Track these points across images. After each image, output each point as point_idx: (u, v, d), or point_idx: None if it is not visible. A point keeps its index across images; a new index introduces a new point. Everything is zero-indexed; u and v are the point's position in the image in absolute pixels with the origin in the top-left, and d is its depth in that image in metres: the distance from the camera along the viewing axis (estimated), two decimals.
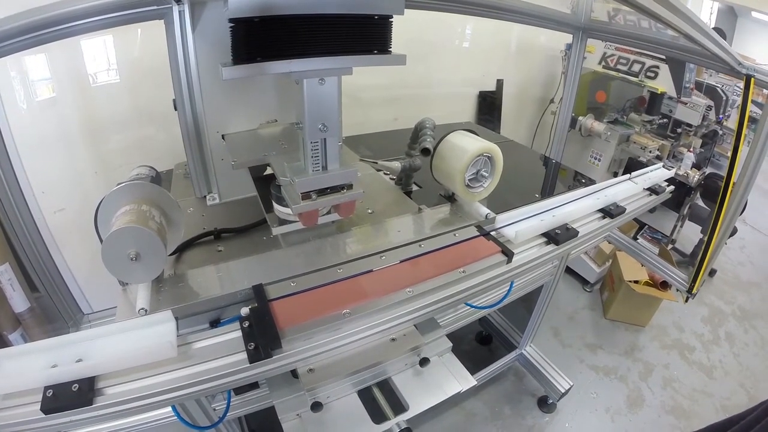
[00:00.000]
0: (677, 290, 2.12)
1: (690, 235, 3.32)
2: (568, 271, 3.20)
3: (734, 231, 2.60)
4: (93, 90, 1.74)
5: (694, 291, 1.98)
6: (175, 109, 1.23)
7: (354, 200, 1.05)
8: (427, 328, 1.21)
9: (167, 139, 1.88)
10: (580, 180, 1.98)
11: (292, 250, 1.10)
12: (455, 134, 1.23)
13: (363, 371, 1.08)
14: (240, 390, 1.17)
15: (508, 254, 1.09)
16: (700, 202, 3.15)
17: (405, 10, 0.90)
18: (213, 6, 1.07)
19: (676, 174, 2.74)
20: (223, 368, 0.78)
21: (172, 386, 0.74)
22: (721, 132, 3.29)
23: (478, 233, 1.17)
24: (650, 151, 2.91)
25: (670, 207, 3.33)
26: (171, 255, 1.05)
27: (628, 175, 1.58)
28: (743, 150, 1.72)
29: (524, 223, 1.23)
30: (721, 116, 3.14)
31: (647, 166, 1.83)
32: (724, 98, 3.11)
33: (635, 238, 3.27)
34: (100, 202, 0.87)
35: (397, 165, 1.45)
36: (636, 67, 2.86)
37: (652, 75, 2.79)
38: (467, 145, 1.17)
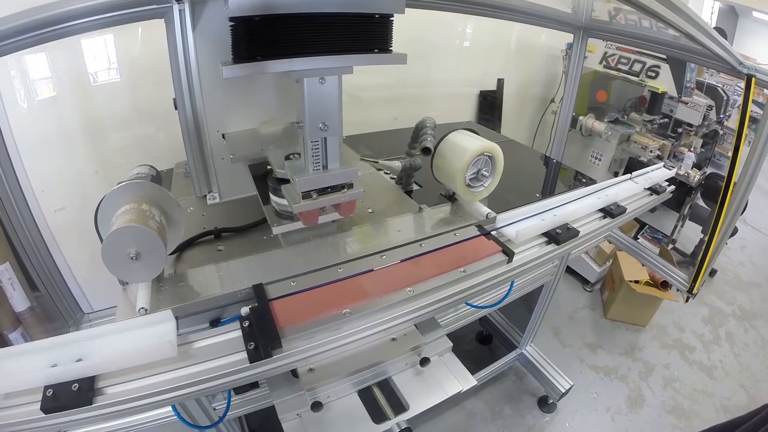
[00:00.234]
0: (678, 290, 2.12)
1: (690, 235, 3.31)
2: (569, 270, 3.20)
3: (735, 231, 2.60)
4: (93, 89, 1.74)
5: (695, 291, 1.98)
6: (176, 108, 1.23)
7: (355, 199, 1.05)
8: (427, 328, 1.21)
9: (167, 138, 1.88)
10: (580, 179, 1.97)
11: (292, 249, 1.10)
12: (456, 133, 1.22)
13: (363, 371, 1.07)
14: (240, 389, 1.18)
15: (509, 254, 1.09)
16: (701, 202, 3.15)
17: (407, 9, 0.90)
18: (213, 5, 1.07)
19: (676, 174, 2.73)
20: (223, 368, 0.77)
21: (172, 386, 0.74)
22: (721, 132, 3.29)
23: (479, 233, 1.17)
24: (651, 151, 2.91)
25: (670, 207, 3.32)
26: (171, 254, 1.05)
27: (628, 175, 1.58)
28: (744, 150, 1.72)
29: (525, 223, 1.23)
30: (721, 116, 3.13)
31: (648, 165, 1.83)
32: (725, 98, 3.10)
33: (636, 238, 3.27)
34: (101, 201, 0.87)
35: (397, 164, 1.45)
36: (637, 67, 2.86)
37: (653, 75, 2.79)
38: (468, 144, 1.17)
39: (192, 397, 0.79)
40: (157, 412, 1.07)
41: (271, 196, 1.11)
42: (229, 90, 1.20)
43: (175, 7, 1.08)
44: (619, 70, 2.95)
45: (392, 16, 0.90)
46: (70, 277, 1.77)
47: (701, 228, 3.13)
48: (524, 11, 2.09)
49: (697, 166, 3.01)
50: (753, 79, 1.64)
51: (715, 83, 3.14)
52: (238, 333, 0.82)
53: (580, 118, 3.01)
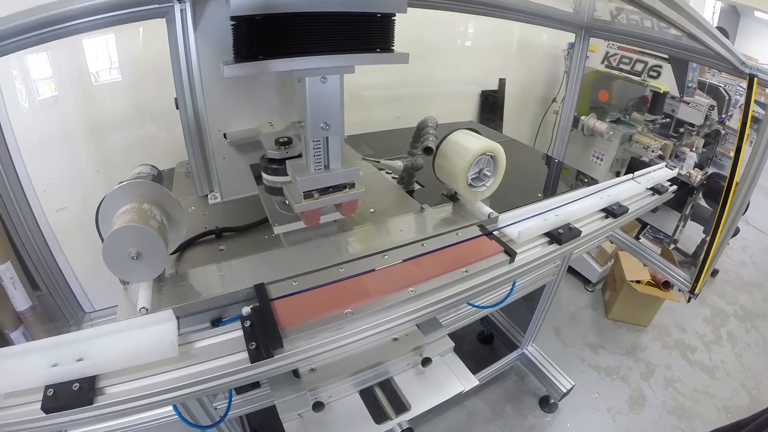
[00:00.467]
0: (679, 290, 2.12)
1: (692, 235, 3.31)
2: (570, 270, 3.20)
3: (737, 231, 2.59)
4: (95, 89, 1.74)
5: (697, 291, 1.97)
6: (177, 108, 1.23)
7: (356, 199, 1.05)
8: (429, 328, 1.20)
9: (169, 137, 1.88)
10: (582, 179, 1.97)
11: (293, 249, 1.09)
12: (458, 133, 1.22)
13: (365, 371, 1.07)
14: (241, 389, 1.17)
15: (511, 254, 1.09)
16: (703, 202, 3.14)
17: (408, 9, 0.90)
18: (214, 4, 1.07)
19: (678, 174, 2.73)
20: (224, 368, 0.77)
21: (172, 386, 0.74)
22: (723, 132, 3.28)
23: (481, 233, 1.17)
24: (653, 151, 2.91)
25: (672, 207, 3.32)
26: (172, 254, 1.05)
27: (631, 175, 1.58)
28: (746, 150, 1.71)
29: (527, 223, 1.23)
30: (723, 116, 3.13)
31: (649, 165, 1.83)
32: (727, 98, 3.09)
33: (637, 238, 3.26)
34: (102, 200, 0.86)
35: (399, 164, 1.45)
36: (639, 67, 2.85)
37: (655, 74, 2.78)
38: (470, 144, 1.16)
39: (193, 397, 0.79)
40: (157, 412, 1.07)
41: (263, 175, 1.11)
42: (231, 89, 1.20)
43: (177, 7, 1.08)
44: (620, 69, 2.94)
45: (394, 15, 0.89)
46: (72, 277, 1.77)
47: (703, 228, 3.13)
48: (526, 11, 2.09)
49: (699, 166, 3.00)
50: (755, 79, 1.63)
51: (716, 83, 3.14)
52: (240, 333, 0.82)
53: (582, 117, 3.01)
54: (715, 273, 3.45)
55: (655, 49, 2.31)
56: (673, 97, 2.90)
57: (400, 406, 1.09)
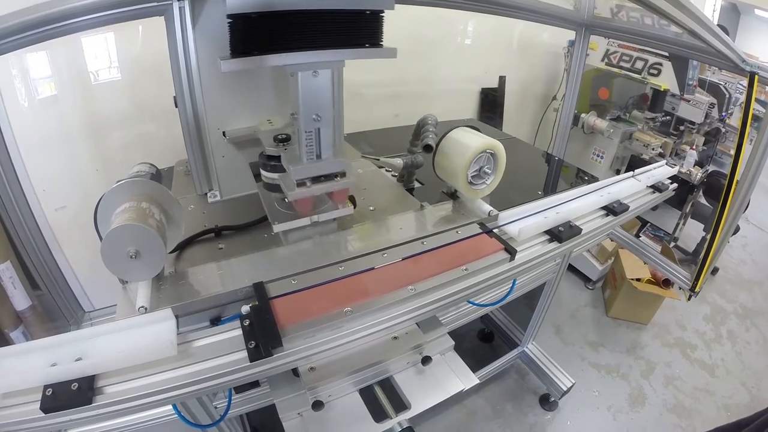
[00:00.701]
0: (679, 288, 2.11)
1: (692, 233, 3.31)
2: (570, 268, 3.19)
3: (737, 229, 2.59)
4: (94, 88, 1.74)
5: (697, 289, 1.97)
6: (176, 106, 1.22)
7: (347, 187, 1.07)
8: (429, 326, 1.20)
9: (168, 136, 1.87)
10: (582, 177, 1.97)
11: (293, 247, 1.09)
12: (457, 131, 1.22)
13: (364, 370, 1.07)
14: (241, 388, 1.17)
15: (511, 252, 1.09)
16: (703, 200, 3.14)
17: (408, 6, 0.90)
18: (213, 2, 1.07)
19: (678, 172, 2.72)
20: (224, 367, 0.77)
21: (172, 385, 0.74)
22: (724, 130, 3.27)
23: (481, 231, 1.16)
24: (653, 149, 2.90)
25: (672, 205, 3.32)
26: (171, 253, 1.05)
27: (631, 173, 1.57)
28: (746, 148, 1.71)
29: (527, 221, 1.22)
30: (724, 114, 3.12)
31: (650, 163, 1.82)
32: (727, 96, 3.09)
33: (637, 236, 3.26)
34: (100, 199, 0.86)
35: (399, 162, 1.44)
36: (639, 64, 2.84)
37: (655, 72, 2.78)
38: (470, 141, 1.16)
39: (192, 396, 0.79)
40: (157, 411, 1.07)
41: (262, 172, 1.12)
42: (230, 87, 1.20)
43: (175, 5, 1.07)
44: (621, 67, 2.94)
45: (382, 12, 0.92)
46: (71, 276, 1.77)
47: (703, 226, 3.13)
48: (526, 8, 2.08)
49: (699, 164, 3.00)
50: (756, 76, 1.63)
51: (717, 81, 3.13)
52: (239, 332, 0.82)
53: (582, 115, 3.01)
54: (715, 271, 3.45)
55: (656, 46, 2.30)
56: (673, 95, 2.89)
57: (400, 405, 1.09)
